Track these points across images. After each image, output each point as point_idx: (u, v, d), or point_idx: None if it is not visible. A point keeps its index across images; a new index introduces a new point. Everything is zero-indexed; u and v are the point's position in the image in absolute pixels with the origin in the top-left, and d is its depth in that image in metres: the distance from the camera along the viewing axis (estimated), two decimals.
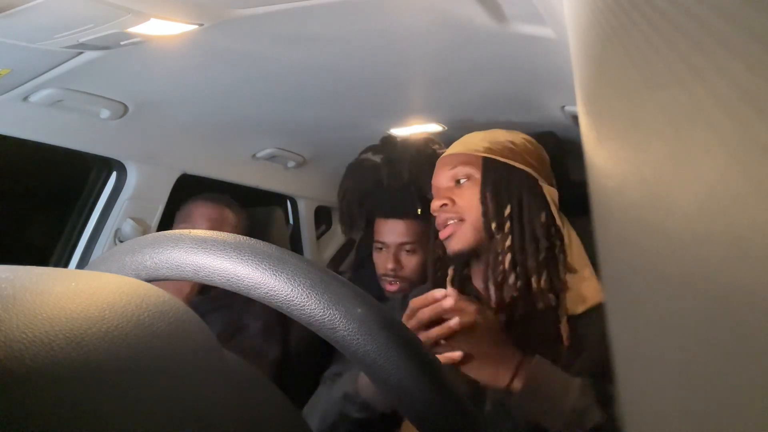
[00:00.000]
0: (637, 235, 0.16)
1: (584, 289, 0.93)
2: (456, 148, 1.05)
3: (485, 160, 0.99)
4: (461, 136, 1.57)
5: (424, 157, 1.51)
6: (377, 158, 1.57)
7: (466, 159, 1.01)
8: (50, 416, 0.18)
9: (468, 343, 0.78)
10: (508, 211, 0.95)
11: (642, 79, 0.16)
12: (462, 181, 1.00)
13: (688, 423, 0.12)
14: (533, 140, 1.05)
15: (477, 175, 0.98)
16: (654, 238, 0.14)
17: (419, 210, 1.46)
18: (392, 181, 1.50)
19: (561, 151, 1.29)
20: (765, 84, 0.08)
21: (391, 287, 1.49)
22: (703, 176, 0.10)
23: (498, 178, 0.97)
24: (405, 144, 1.56)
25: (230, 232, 1.33)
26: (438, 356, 0.76)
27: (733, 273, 0.09)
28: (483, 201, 0.96)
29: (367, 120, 1.72)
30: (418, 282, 1.46)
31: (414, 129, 1.83)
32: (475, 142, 1.02)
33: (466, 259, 1.01)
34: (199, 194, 1.56)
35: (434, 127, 1.81)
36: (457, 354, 0.77)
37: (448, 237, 0.98)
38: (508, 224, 0.94)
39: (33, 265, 0.27)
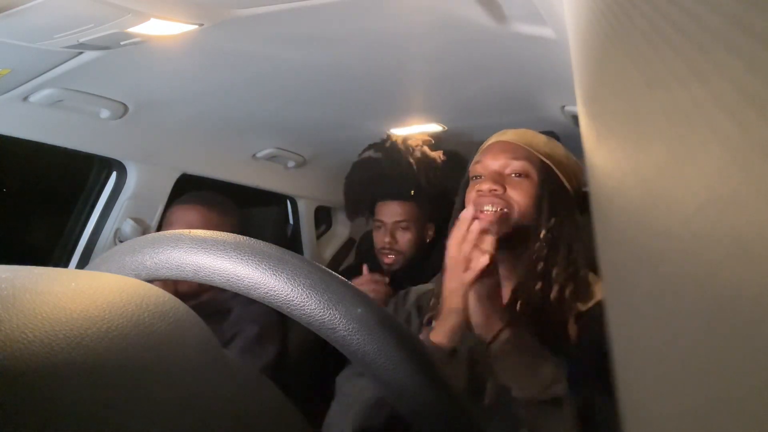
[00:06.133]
0: (637, 235, 0.16)
1: (590, 289, 0.95)
2: (518, 138, 1.02)
3: (544, 164, 0.99)
4: (461, 136, 1.56)
5: (418, 150, 1.85)
6: (378, 154, 1.87)
7: (527, 155, 0.99)
8: (50, 415, 0.18)
9: (481, 286, 0.84)
10: (552, 222, 0.96)
11: (642, 79, 0.16)
12: (517, 175, 0.98)
13: (688, 423, 0.12)
14: (581, 164, 1.04)
15: (534, 175, 0.97)
16: (654, 238, 0.14)
17: (412, 192, 1.78)
18: (392, 169, 1.80)
19: None
20: (765, 84, 0.08)
21: (387, 259, 1.78)
22: (703, 176, 0.10)
23: (552, 189, 0.97)
24: (404, 140, 1.86)
25: (212, 227, 1.29)
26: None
27: (733, 272, 0.09)
28: (538, 204, 0.96)
29: (367, 120, 1.72)
30: (410, 255, 1.77)
31: (414, 129, 1.83)
32: (537, 141, 1.01)
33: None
34: (183, 195, 1.53)
35: (434, 127, 1.81)
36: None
37: (484, 222, 0.96)
38: (550, 235, 0.95)
39: (33, 265, 0.27)
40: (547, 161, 0.99)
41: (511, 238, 0.96)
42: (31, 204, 1.76)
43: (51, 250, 1.56)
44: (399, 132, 1.86)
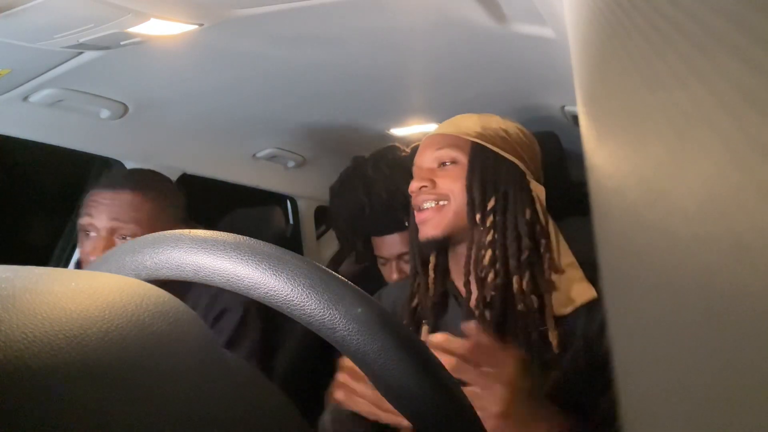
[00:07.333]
0: (637, 235, 0.16)
1: (572, 290, 0.88)
2: (445, 128, 0.99)
3: (474, 145, 0.94)
4: None
5: (395, 171, 1.52)
6: (355, 179, 1.57)
7: (454, 141, 0.95)
8: (50, 415, 0.18)
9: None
10: (492, 203, 0.90)
11: (642, 79, 0.16)
12: (447, 164, 0.95)
13: (689, 423, 0.12)
14: (528, 132, 0.99)
15: (464, 159, 0.93)
16: (654, 238, 0.14)
17: (406, 223, 1.44)
18: (374, 204, 1.51)
19: (561, 152, 1.28)
20: (765, 84, 0.08)
21: None
22: (703, 176, 0.10)
23: (485, 167, 0.92)
24: (375, 163, 1.56)
25: (145, 218, 1.19)
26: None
27: (733, 273, 0.09)
28: (468, 189, 0.91)
29: (367, 120, 1.72)
30: None
31: (414, 129, 1.83)
32: (467, 125, 0.97)
33: (437, 247, 0.96)
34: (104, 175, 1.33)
35: (434, 127, 1.81)
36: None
37: (423, 222, 0.94)
38: (490, 218, 0.90)
39: (33, 265, 0.27)
40: (477, 140, 0.94)
41: (453, 233, 0.92)
42: (31, 204, 1.76)
43: (51, 250, 1.56)
44: (399, 132, 1.86)
